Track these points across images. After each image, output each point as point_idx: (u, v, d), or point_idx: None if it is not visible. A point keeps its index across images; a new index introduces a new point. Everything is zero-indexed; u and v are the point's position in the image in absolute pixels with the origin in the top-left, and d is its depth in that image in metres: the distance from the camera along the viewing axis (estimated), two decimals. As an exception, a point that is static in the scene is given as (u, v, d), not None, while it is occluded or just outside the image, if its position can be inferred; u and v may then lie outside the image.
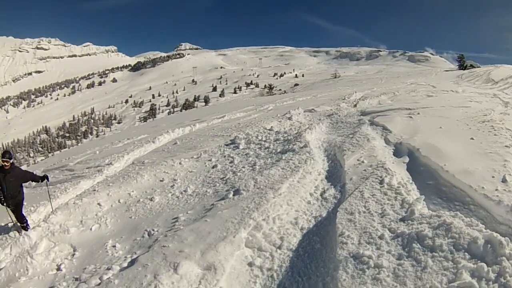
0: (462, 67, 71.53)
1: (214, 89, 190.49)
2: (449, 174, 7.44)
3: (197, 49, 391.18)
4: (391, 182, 7.22)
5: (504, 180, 7.18)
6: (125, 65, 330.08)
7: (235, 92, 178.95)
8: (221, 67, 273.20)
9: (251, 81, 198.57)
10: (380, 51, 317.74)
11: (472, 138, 9.97)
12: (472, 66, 69.14)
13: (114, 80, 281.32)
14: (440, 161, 8.01)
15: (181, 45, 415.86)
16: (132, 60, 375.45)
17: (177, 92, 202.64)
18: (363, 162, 8.66)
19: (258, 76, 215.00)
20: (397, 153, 9.48)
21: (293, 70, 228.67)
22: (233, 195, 7.65)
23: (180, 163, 10.49)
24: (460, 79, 42.77)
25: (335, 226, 5.92)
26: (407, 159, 8.89)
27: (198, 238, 5.91)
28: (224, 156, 10.76)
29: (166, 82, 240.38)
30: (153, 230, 7.09)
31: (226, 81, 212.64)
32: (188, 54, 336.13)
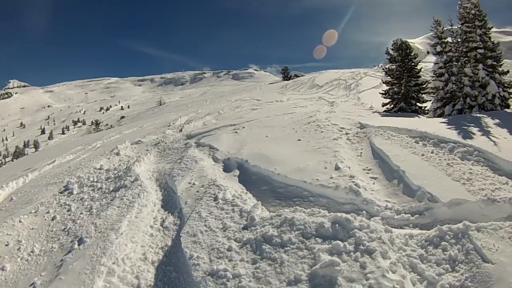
0: (287, 78, 75.07)
1: (43, 131, 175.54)
2: (281, 176, 8.08)
3: (25, 86, 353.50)
4: (225, 196, 7.47)
5: (337, 168, 8.16)
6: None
7: (63, 133, 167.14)
8: (49, 106, 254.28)
9: (78, 118, 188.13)
10: (205, 73, 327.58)
11: (299, 139, 10.98)
12: (296, 76, 74.02)
13: None
14: (270, 167, 8.63)
15: (10, 82, 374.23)
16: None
17: (6, 138, 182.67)
18: (194, 184, 8.76)
19: (84, 112, 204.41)
20: (226, 168, 9.81)
21: (119, 102, 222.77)
22: (78, 245, 7.10)
23: (20, 221, 9.39)
24: (285, 89, 46.70)
25: (183, 251, 5.90)
26: (237, 172, 9.27)
27: (58, 299, 5.41)
28: (61, 205, 9.90)
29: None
30: (15, 303, 6.29)
31: (54, 121, 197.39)
32: (16, 93, 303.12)
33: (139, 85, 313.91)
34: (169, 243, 6.81)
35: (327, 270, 4.51)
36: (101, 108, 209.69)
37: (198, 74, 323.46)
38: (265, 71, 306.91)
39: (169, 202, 8.67)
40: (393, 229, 5.72)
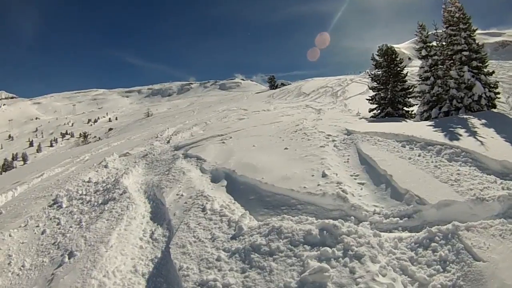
0: (273, 86, 75.63)
1: (31, 144, 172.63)
2: (268, 185, 8.04)
3: (13, 98, 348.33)
4: (213, 207, 7.45)
5: (324, 175, 8.14)
6: None
7: (51, 145, 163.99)
8: (37, 118, 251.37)
9: (66, 130, 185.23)
10: (191, 83, 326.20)
11: (286, 148, 11.00)
12: (283, 85, 74.34)
13: None
14: (258, 176, 8.61)
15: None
16: None
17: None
18: (182, 195, 8.72)
19: (72, 124, 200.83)
20: (214, 179, 9.76)
21: (107, 114, 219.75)
22: (68, 258, 7.06)
23: (10, 235, 9.28)
24: (272, 98, 46.93)
25: (172, 263, 5.88)
26: (225, 182, 9.25)
27: (49, 314, 5.28)
28: (50, 219, 9.82)
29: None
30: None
31: (42, 133, 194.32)
32: (4, 104, 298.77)
33: (127, 97, 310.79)
34: (159, 255, 6.77)
35: (316, 277, 4.53)
36: (89, 120, 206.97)
37: (185, 84, 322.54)
38: (251, 80, 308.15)
39: (158, 214, 8.63)
40: (382, 233, 5.74)
